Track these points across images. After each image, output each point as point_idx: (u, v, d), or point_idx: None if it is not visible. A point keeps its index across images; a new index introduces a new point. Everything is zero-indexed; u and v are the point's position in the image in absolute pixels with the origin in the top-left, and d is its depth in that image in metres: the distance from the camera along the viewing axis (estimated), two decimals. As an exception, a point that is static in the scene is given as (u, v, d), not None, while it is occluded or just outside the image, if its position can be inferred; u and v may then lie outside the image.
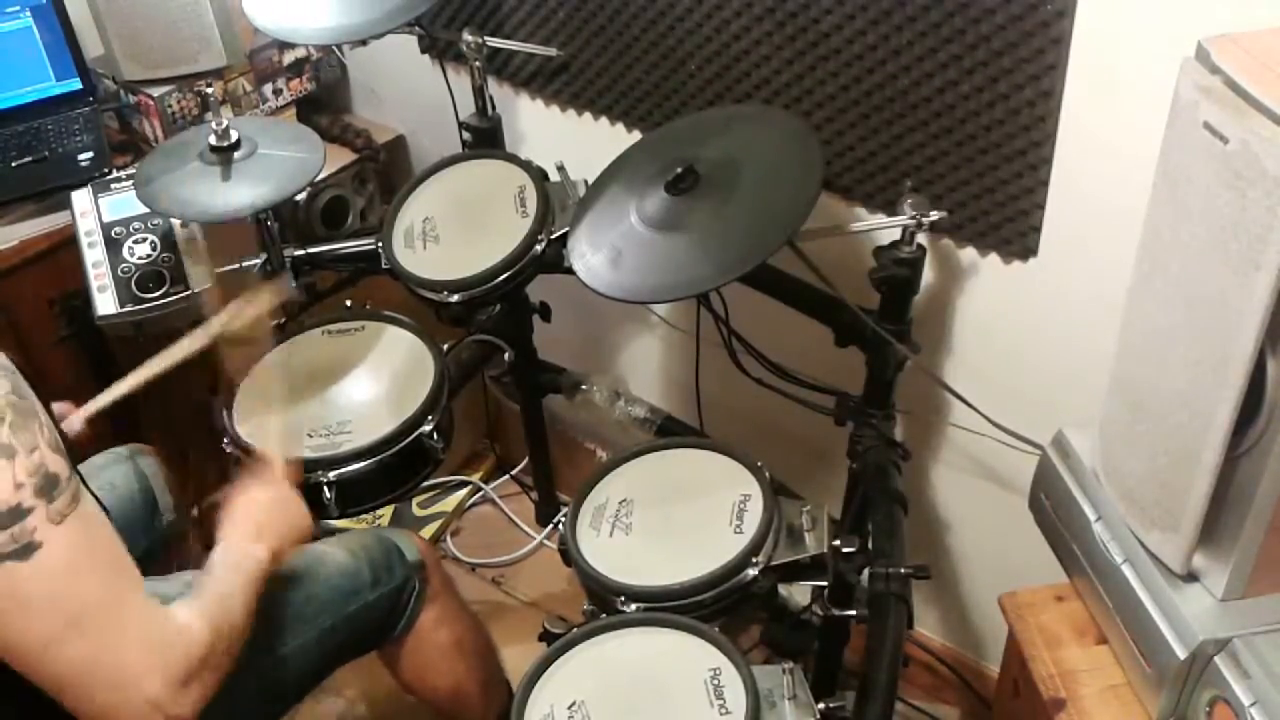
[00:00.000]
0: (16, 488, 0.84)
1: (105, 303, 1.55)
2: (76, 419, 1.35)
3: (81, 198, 1.65)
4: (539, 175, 1.58)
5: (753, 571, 1.24)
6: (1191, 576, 1.04)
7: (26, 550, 0.84)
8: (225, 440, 1.42)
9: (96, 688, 0.89)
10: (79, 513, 0.88)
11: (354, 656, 1.37)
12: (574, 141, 1.78)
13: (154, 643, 0.92)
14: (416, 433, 1.41)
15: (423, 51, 1.83)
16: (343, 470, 1.37)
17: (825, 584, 1.31)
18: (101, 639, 0.89)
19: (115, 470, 1.46)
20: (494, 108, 1.72)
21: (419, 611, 1.38)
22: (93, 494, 0.93)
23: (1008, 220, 1.36)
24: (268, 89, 1.96)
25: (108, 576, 0.91)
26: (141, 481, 1.47)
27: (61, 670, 0.89)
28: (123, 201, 1.64)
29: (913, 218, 1.29)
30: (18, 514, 0.84)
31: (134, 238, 1.60)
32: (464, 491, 2.30)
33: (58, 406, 1.33)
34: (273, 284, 1.52)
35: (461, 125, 1.74)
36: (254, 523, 1.17)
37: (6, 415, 0.84)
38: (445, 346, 1.55)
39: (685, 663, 1.17)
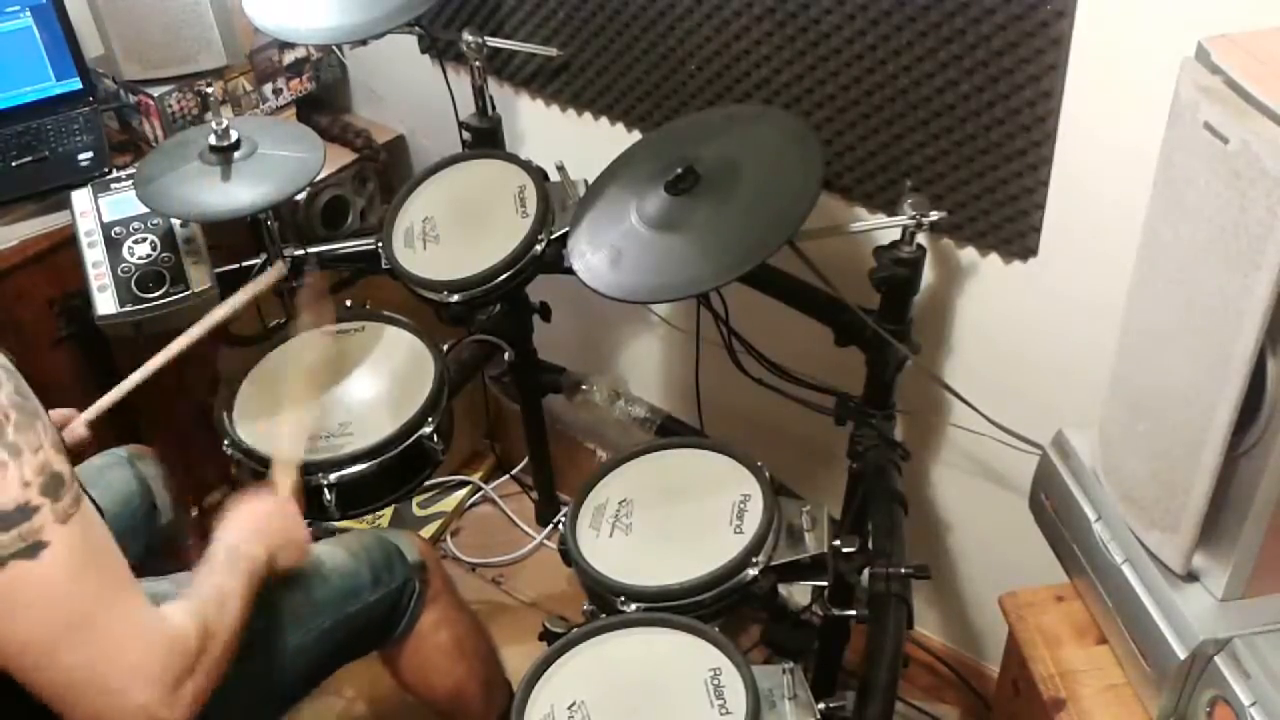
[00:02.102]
0: (24, 486, 0.83)
1: (105, 303, 1.55)
2: (80, 423, 1.35)
3: (81, 198, 1.65)
4: (539, 175, 1.58)
5: (753, 571, 1.24)
6: (1191, 576, 1.04)
7: (34, 549, 0.84)
8: (225, 442, 1.42)
9: (90, 692, 0.89)
10: (81, 514, 0.88)
11: (354, 657, 1.37)
12: (574, 141, 1.78)
13: (147, 647, 0.91)
14: (417, 434, 1.41)
15: (423, 51, 1.83)
16: (343, 473, 1.37)
17: (825, 584, 1.31)
18: (97, 643, 0.88)
19: (114, 471, 1.46)
20: (494, 108, 1.72)
21: (419, 612, 1.38)
22: (89, 497, 0.93)
23: (1008, 220, 1.36)
24: (268, 89, 1.96)
25: (105, 579, 0.90)
26: (140, 482, 1.47)
27: (57, 674, 0.88)
28: (123, 201, 1.63)
29: (913, 218, 1.29)
30: (26, 512, 0.83)
31: (134, 238, 1.60)
32: (464, 491, 2.30)
33: (60, 412, 1.33)
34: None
35: (461, 125, 1.74)
36: (253, 525, 1.17)
37: (11, 415, 0.84)
38: (445, 346, 1.56)
39: (685, 663, 1.17)
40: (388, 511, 2.20)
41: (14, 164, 1.80)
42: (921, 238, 1.32)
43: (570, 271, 1.32)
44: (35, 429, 0.86)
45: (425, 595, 1.38)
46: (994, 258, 1.42)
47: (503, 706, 1.51)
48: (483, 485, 2.32)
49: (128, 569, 0.93)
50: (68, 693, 0.89)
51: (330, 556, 1.34)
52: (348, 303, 1.58)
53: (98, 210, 1.64)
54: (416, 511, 2.25)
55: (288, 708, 1.31)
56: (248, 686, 1.22)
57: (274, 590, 1.28)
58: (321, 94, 2.08)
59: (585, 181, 1.50)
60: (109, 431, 1.47)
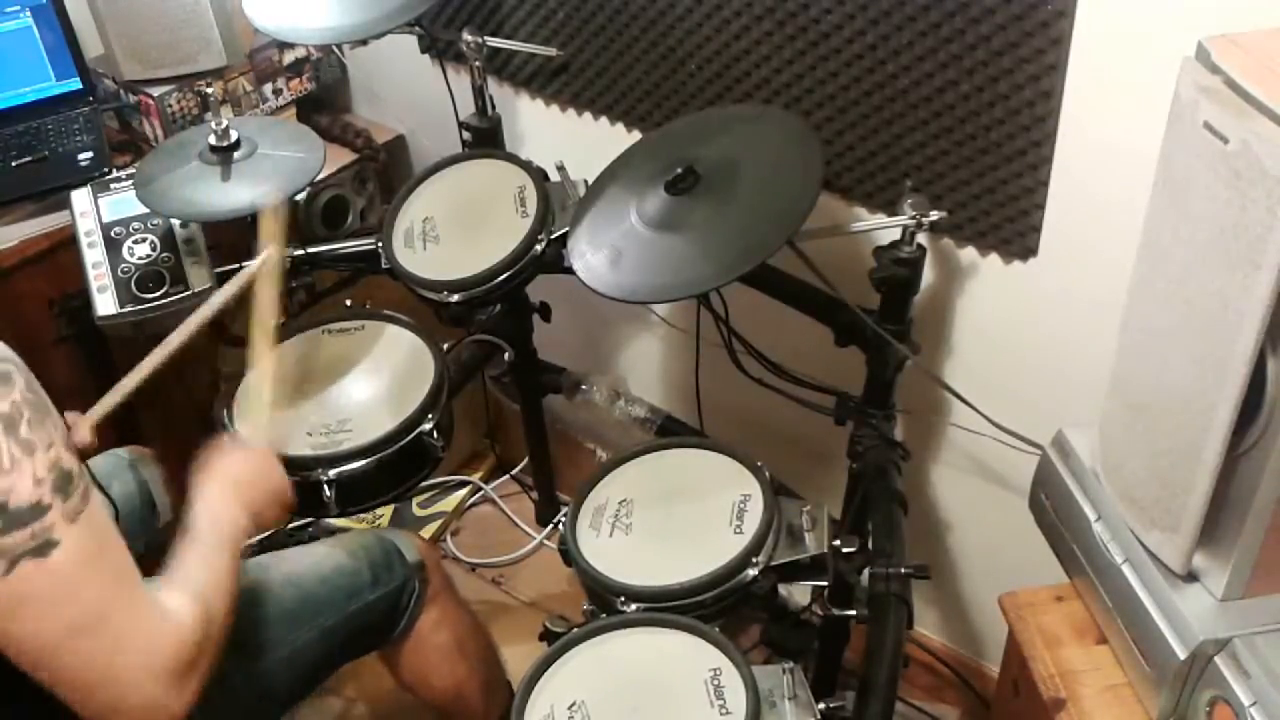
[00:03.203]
0: (36, 484, 0.83)
1: (105, 303, 1.55)
2: (85, 428, 1.35)
3: (81, 198, 1.65)
4: (539, 175, 1.58)
5: (753, 571, 1.24)
6: (1191, 576, 1.04)
7: (44, 548, 0.84)
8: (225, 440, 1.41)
9: (100, 686, 0.89)
10: (89, 511, 0.88)
11: (354, 657, 1.37)
12: (574, 141, 1.78)
13: (154, 641, 0.92)
14: (416, 431, 1.41)
15: (423, 51, 1.83)
16: (342, 469, 1.37)
17: (825, 584, 1.31)
18: (106, 639, 0.89)
19: (114, 472, 1.46)
20: (494, 108, 1.72)
21: (419, 612, 1.38)
22: (102, 489, 0.93)
23: (1008, 220, 1.36)
24: (268, 89, 1.96)
25: (113, 576, 0.91)
26: (140, 483, 1.47)
27: (66, 669, 0.89)
28: (123, 201, 1.63)
29: (913, 218, 1.29)
30: (38, 511, 0.83)
31: (134, 238, 1.60)
32: (464, 491, 2.30)
33: (67, 415, 1.32)
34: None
35: (461, 125, 1.74)
36: (232, 486, 1.13)
37: (25, 412, 0.84)
38: (445, 346, 1.55)
39: (685, 663, 1.17)
40: (387, 511, 2.20)
41: (14, 164, 1.80)
42: (921, 238, 1.32)
43: (570, 271, 1.32)
44: (46, 425, 0.86)
45: (425, 595, 1.38)
46: (994, 258, 1.42)
47: (503, 707, 1.51)
48: (483, 485, 2.32)
49: (133, 565, 0.93)
50: (78, 687, 0.90)
51: (330, 556, 1.34)
52: (348, 303, 1.58)
53: (97, 210, 1.63)
54: (416, 511, 2.25)
55: (288, 707, 1.31)
56: (248, 686, 1.23)
57: (274, 590, 1.28)
58: (321, 94, 2.08)
59: (585, 181, 1.50)
60: (110, 433, 1.46)
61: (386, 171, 2.06)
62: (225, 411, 1.44)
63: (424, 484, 1.65)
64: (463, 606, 1.47)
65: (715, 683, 1.14)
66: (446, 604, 1.42)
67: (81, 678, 0.89)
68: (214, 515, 1.09)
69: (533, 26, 1.72)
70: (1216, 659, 0.99)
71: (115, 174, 1.71)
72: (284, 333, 1.55)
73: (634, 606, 1.24)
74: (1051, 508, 1.22)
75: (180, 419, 1.82)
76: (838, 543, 1.26)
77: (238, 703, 1.22)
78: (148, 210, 1.58)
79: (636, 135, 1.70)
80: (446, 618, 1.42)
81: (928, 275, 1.43)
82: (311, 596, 1.29)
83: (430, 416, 1.42)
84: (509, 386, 2.07)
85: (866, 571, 1.28)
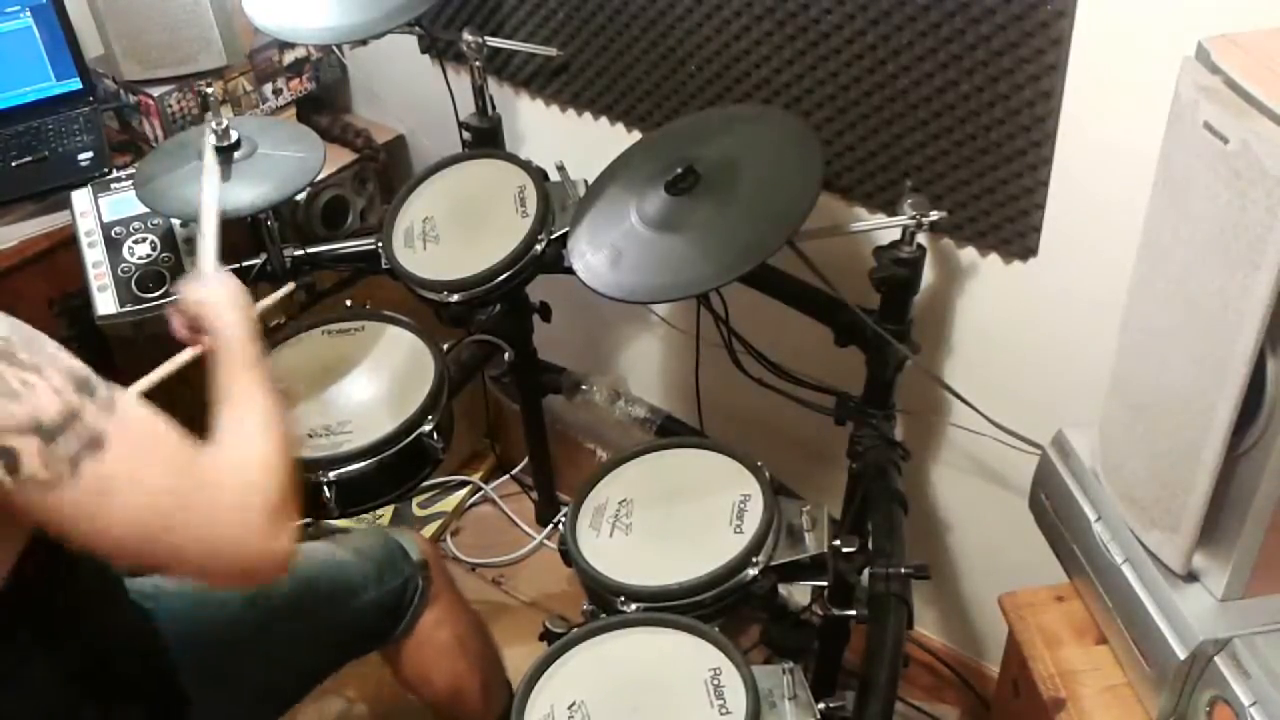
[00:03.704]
0: (57, 393, 0.83)
1: (105, 303, 1.55)
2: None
3: (81, 198, 1.65)
4: (539, 175, 1.58)
5: (753, 571, 1.24)
6: (1191, 576, 1.04)
7: (96, 443, 0.84)
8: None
9: (209, 557, 0.91)
10: (122, 401, 0.88)
11: (356, 655, 1.37)
12: (574, 141, 1.78)
13: (237, 498, 0.92)
14: (416, 432, 1.41)
15: (423, 51, 1.83)
16: (343, 470, 1.37)
17: (825, 584, 1.31)
18: (195, 513, 0.89)
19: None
20: (494, 108, 1.72)
21: (421, 611, 1.38)
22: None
23: (1008, 220, 1.36)
24: (268, 89, 1.96)
25: (175, 450, 0.91)
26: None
27: (174, 551, 0.89)
28: (123, 201, 1.63)
29: (913, 218, 1.29)
30: (71, 415, 0.83)
31: (134, 238, 1.60)
32: (464, 491, 2.30)
33: None
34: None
35: (461, 125, 1.74)
36: (236, 312, 1.16)
37: (15, 340, 0.84)
38: (445, 346, 1.55)
39: (685, 663, 1.17)
40: (387, 511, 2.20)
41: (14, 164, 1.80)
42: (921, 238, 1.32)
43: (570, 271, 1.32)
44: (43, 346, 0.86)
45: (427, 594, 1.39)
46: (994, 258, 1.42)
47: (503, 706, 1.51)
48: (483, 485, 2.32)
49: (186, 440, 0.93)
50: (192, 565, 0.91)
51: (333, 554, 1.35)
52: (348, 303, 1.58)
53: (98, 210, 1.64)
54: (416, 511, 2.25)
55: (289, 705, 1.31)
56: (251, 683, 1.23)
57: (277, 587, 1.28)
58: (321, 94, 2.08)
59: (585, 181, 1.50)
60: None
61: (386, 171, 2.06)
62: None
63: (424, 484, 1.64)
64: (464, 605, 1.47)
65: (715, 683, 1.14)
66: (449, 603, 1.42)
67: (190, 555, 0.90)
68: (244, 336, 1.12)
69: (533, 26, 1.72)
70: (1216, 659, 0.99)
71: (115, 174, 1.71)
72: (284, 333, 1.56)
73: (634, 606, 1.24)
74: (1051, 508, 1.22)
75: (180, 419, 1.81)
76: (838, 543, 1.26)
77: (240, 700, 1.22)
78: (148, 210, 1.58)
79: (636, 135, 1.70)
80: (448, 616, 1.42)
81: (928, 275, 1.43)
82: (315, 594, 1.29)
83: (430, 417, 1.42)
84: (509, 386, 2.07)
85: (866, 571, 1.28)
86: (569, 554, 1.31)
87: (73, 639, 1.00)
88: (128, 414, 0.87)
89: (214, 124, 1.52)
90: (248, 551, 0.92)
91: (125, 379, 1.41)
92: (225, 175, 1.52)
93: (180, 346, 1.24)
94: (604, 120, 1.74)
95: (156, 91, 1.84)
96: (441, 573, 1.42)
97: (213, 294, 1.19)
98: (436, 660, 1.42)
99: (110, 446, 0.84)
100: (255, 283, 1.65)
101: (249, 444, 0.98)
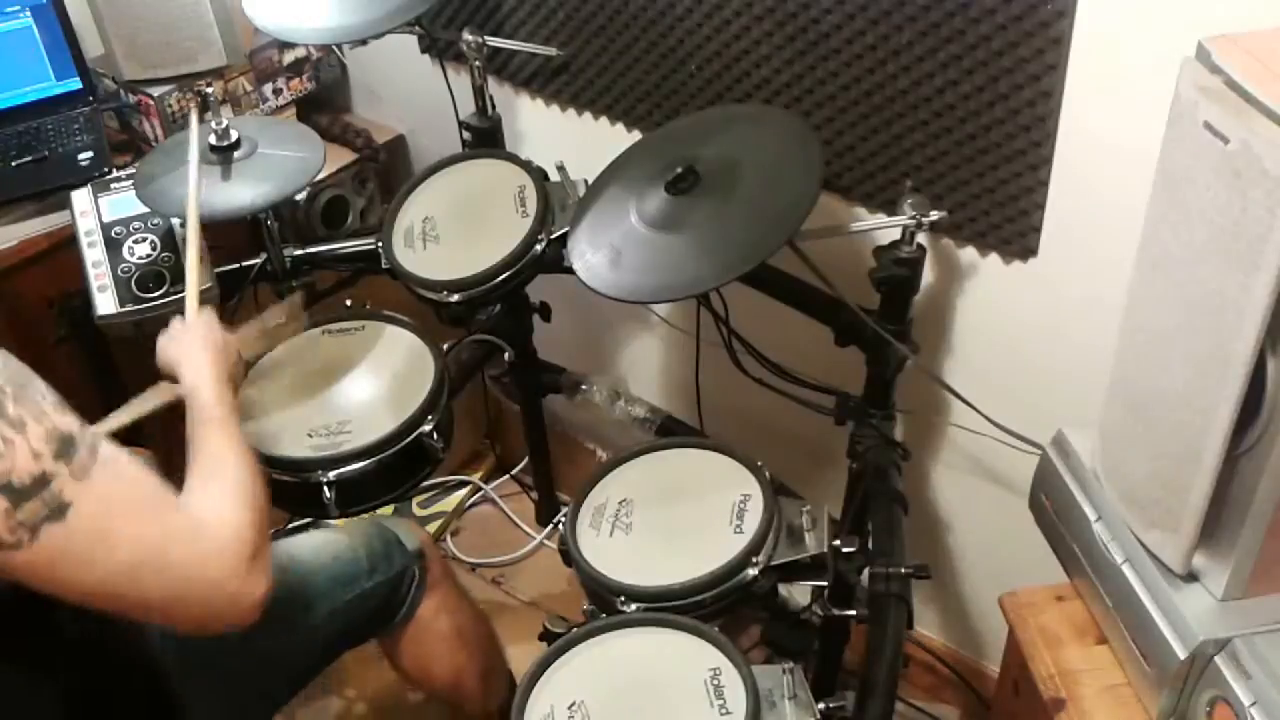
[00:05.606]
0: (35, 457, 0.84)
1: (105, 302, 1.55)
2: None
3: (81, 197, 1.65)
4: (539, 175, 1.58)
5: (753, 571, 1.24)
6: (1191, 576, 1.04)
7: (59, 512, 0.85)
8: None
9: (183, 604, 0.92)
10: (101, 462, 0.88)
11: (353, 645, 1.37)
12: (574, 141, 1.78)
13: (212, 547, 0.93)
14: (416, 432, 1.41)
15: (423, 51, 1.83)
16: (342, 470, 1.37)
17: (825, 584, 1.31)
18: (169, 563, 0.90)
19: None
20: (494, 107, 1.72)
21: (419, 600, 1.39)
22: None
23: (1008, 220, 1.36)
24: (268, 89, 1.96)
25: (149, 510, 0.92)
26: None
27: (147, 600, 0.91)
28: (123, 201, 1.63)
29: (913, 218, 1.29)
30: (43, 482, 0.84)
31: (134, 237, 1.60)
32: (464, 491, 2.30)
33: None
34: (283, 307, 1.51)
35: (461, 125, 1.74)
36: (209, 363, 1.17)
37: (7, 389, 0.84)
38: (445, 346, 1.55)
39: (685, 663, 1.17)
40: (387, 511, 2.20)
41: (14, 164, 1.80)
42: (921, 238, 1.32)
43: (570, 271, 1.32)
44: (33, 397, 0.86)
45: (425, 583, 1.39)
46: (994, 258, 1.42)
47: (503, 694, 1.51)
48: (483, 485, 2.32)
49: (166, 491, 0.94)
50: (165, 613, 0.93)
51: (329, 544, 1.35)
52: (348, 303, 1.58)
53: (98, 210, 1.63)
54: (416, 511, 2.25)
55: (288, 696, 1.31)
56: (248, 674, 1.23)
57: (274, 577, 1.28)
58: (321, 94, 2.08)
59: (585, 181, 1.50)
60: (109, 434, 1.46)
61: (386, 171, 2.06)
62: None
63: (424, 484, 1.64)
64: (463, 595, 1.48)
65: (715, 683, 1.14)
66: (447, 592, 1.42)
67: (164, 603, 0.92)
68: (209, 392, 1.13)
69: (533, 26, 1.72)
70: (1216, 659, 0.99)
71: (115, 174, 1.71)
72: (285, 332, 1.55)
73: (634, 606, 1.24)
74: (1051, 508, 1.22)
75: (180, 420, 1.81)
76: (838, 543, 1.26)
77: (238, 690, 1.22)
78: (148, 210, 1.58)
79: (636, 135, 1.70)
80: (447, 605, 1.42)
81: (928, 275, 1.43)
82: (310, 584, 1.29)
83: (430, 417, 1.42)
84: (509, 386, 2.07)
85: (866, 571, 1.28)
86: (569, 554, 1.31)
87: (67, 641, 1.00)
88: (103, 473, 0.88)
89: (214, 124, 1.52)
90: (222, 598, 0.93)
91: (125, 379, 1.42)
92: (225, 175, 1.52)
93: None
94: (604, 120, 1.74)
95: (156, 91, 1.84)
96: (439, 563, 1.43)
97: (183, 348, 1.20)
98: (436, 648, 1.42)
99: (71, 516, 0.85)
100: (255, 283, 1.66)
101: (218, 498, 0.99)
